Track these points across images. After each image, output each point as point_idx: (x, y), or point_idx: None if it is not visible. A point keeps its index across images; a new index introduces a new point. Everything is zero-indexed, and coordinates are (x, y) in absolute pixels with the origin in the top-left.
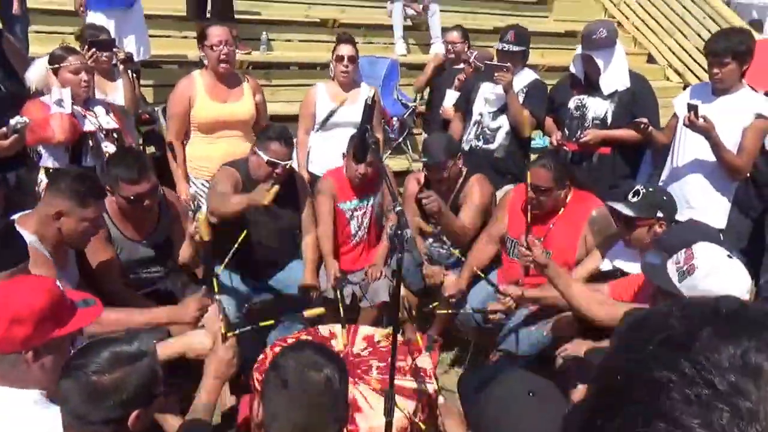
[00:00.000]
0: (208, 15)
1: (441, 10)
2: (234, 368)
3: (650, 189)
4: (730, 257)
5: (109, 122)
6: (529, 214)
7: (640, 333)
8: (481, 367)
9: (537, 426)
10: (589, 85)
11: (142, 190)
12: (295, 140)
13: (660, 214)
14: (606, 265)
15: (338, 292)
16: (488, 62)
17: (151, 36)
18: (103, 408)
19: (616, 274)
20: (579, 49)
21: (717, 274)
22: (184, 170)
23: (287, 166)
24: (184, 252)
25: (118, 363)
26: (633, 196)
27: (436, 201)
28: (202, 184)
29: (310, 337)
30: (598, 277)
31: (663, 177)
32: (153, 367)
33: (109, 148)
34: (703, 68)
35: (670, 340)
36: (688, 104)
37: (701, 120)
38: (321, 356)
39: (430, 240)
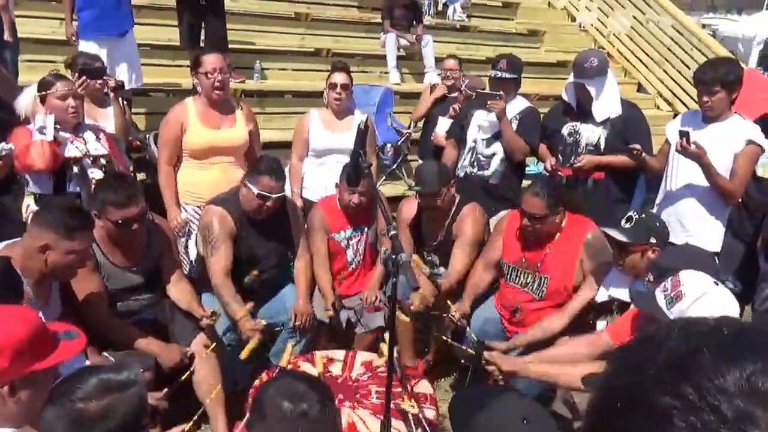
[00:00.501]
0: (202, 44)
1: (434, 41)
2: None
3: (643, 215)
4: (717, 284)
5: (98, 148)
6: (523, 240)
7: (640, 354)
8: (473, 389)
9: None
10: (582, 112)
11: (130, 215)
12: (287, 168)
13: (653, 240)
14: (602, 296)
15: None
16: (481, 90)
17: (144, 64)
18: None
19: (612, 304)
20: (571, 78)
21: (705, 300)
22: (176, 196)
23: (278, 199)
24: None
25: (106, 391)
26: (626, 222)
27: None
28: (194, 210)
29: (307, 363)
30: (594, 308)
31: (657, 202)
32: (141, 396)
33: (95, 174)
34: (692, 97)
35: (671, 362)
36: (680, 131)
37: (693, 146)
38: (302, 386)
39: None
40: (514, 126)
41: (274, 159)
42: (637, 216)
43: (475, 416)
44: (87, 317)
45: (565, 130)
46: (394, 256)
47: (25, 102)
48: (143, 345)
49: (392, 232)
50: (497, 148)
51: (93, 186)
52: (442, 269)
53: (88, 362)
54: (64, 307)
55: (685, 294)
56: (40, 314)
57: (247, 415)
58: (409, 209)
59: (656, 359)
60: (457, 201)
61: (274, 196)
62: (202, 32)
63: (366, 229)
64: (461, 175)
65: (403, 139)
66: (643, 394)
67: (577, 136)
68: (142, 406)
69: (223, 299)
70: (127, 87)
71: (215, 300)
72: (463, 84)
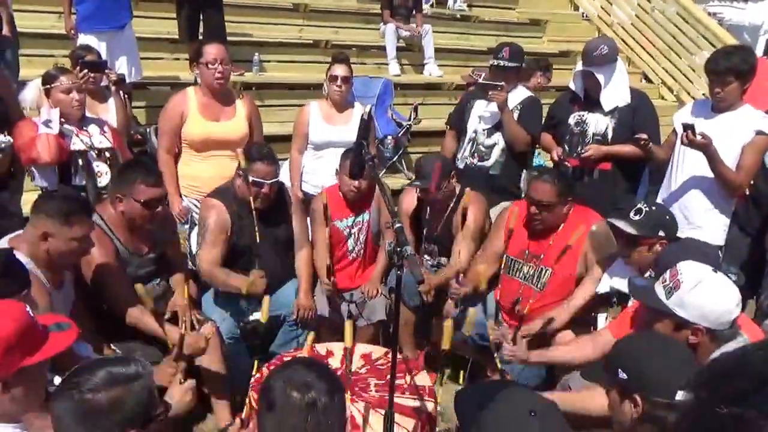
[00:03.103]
0: (201, 37)
1: (435, 31)
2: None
3: (653, 207)
4: (715, 271)
5: (102, 141)
6: (528, 231)
7: (741, 383)
8: (479, 383)
9: None
10: (589, 101)
11: (158, 195)
12: (288, 160)
13: (662, 233)
14: (603, 287)
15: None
16: (482, 80)
17: (143, 58)
18: (98, 428)
19: (613, 296)
20: (579, 66)
21: (702, 286)
22: (176, 185)
23: (273, 184)
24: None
25: (115, 382)
26: (635, 214)
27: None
28: (192, 203)
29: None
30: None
31: (661, 194)
32: (150, 388)
33: (101, 167)
34: (698, 87)
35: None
36: (683, 124)
37: (698, 137)
38: (311, 375)
39: (426, 257)
40: (516, 116)
41: (265, 145)
42: (647, 208)
43: (482, 411)
44: (107, 302)
45: (571, 120)
46: (399, 249)
47: (30, 95)
48: (160, 332)
49: (397, 225)
50: (498, 138)
51: (119, 167)
52: (443, 259)
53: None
54: (77, 296)
55: (683, 282)
56: (28, 308)
57: (246, 407)
58: (409, 201)
59: (762, 390)
60: (458, 191)
61: (268, 182)
62: (201, 25)
63: (368, 216)
64: (461, 166)
65: (403, 131)
66: (751, 427)
67: (584, 126)
68: (151, 399)
69: (219, 281)
70: (127, 81)
71: (214, 307)
72: (478, 79)
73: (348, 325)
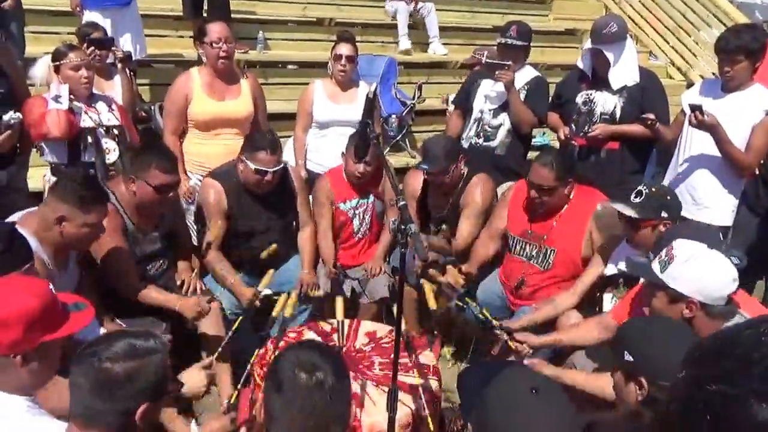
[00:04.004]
0: (205, 14)
1: (440, 9)
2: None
3: (653, 189)
4: (710, 248)
5: (110, 119)
6: (530, 212)
7: (729, 363)
8: (481, 363)
9: (542, 425)
10: (597, 80)
11: (171, 181)
12: (291, 139)
13: (664, 214)
14: (610, 269)
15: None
16: (489, 60)
17: (147, 35)
18: (113, 397)
19: (619, 277)
20: (588, 44)
21: (696, 260)
22: (182, 165)
23: (276, 172)
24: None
25: (134, 354)
26: (635, 197)
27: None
28: (199, 180)
29: (311, 332)
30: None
31: (669, 174)
32: (165, 363)
33: (109, 144)
34: (707, 65)
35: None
36: (690, 105)
37: (706, 117)
38: (317, 357)
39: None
40: (522, 96)
41: (269, 132)
42: (647, 190)
43: (484, 389)
44: (112, 279)
45: (579, 99)
46: (403, 227)
47: (40, 72)
48: (164, 300)
49: (401, 203)
50: (504, 118)
51: (136, 148)
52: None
53: (102, 330)
54: (81, 274)
55: (677, 256)
56: (51, 286)
57: (261, 382)
58: (415, 182)
59: (749, 370)
60: (464, 174)
61: (271, 170)
62: (205, 2)
63: (372, 197)
64: (466, 145)
65: (407, 110)
66: (740, 407)
67: (592, 105)
68: (165, 373)
69: (215, 271)
70: (133, 58)
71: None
72: (483, 56)
73: (339, 301)
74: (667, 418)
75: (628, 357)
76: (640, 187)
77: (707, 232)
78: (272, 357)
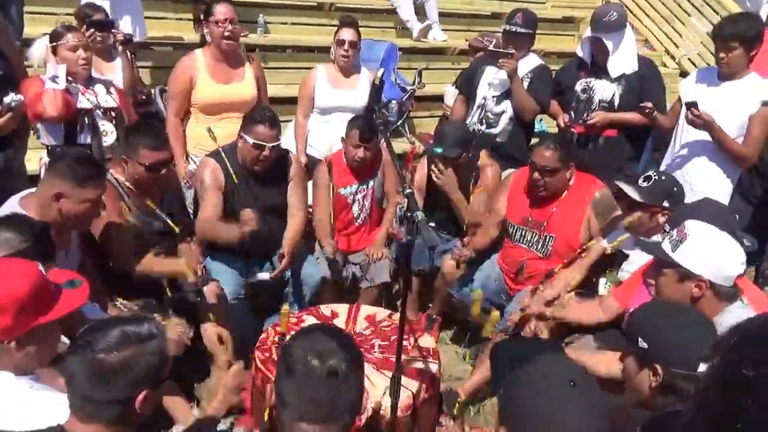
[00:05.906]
0: None
1: None
2: (239, 396)
3: (662, 176)
4: (721, 230)
5: (108, 101)
6: (530, 198)
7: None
8: (516, 339)
9: (582, 419)
10: (596, 68)
11: (162, 158)
12: (292, 124)
13: (666, 204)
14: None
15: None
16: (492, 48)
17: (146, 18)
18: (110, 387)
19: (613, 259)
20: (588, 32)
21: (707, 240)
22: (184, 148)
23: (274, 148)
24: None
25: (128, 343)
26: (644, 181)
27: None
28: None
29: (312, 317)
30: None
31: (665, 160)
32: (162, 348)
33: (106, 126)
34: (700, 55)
35: None
36: (686, 103)
37: (704, 114)
38: (331, 343)
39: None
40: (526, 84)
41: (268, 108)
42: (656, 176)
43: (518, 372)
44: (113, 258)
45: (578, 87)
46: (410, 214)
47: (37, 53)
48: (164, 266)
49: (408, 191)
50: (506, 106)
51: (125, 129)
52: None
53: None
54: (83, 254)
55: (689, 235)
56: (41, 267)
57: (261, 366)
58: (420, 174)
59: None
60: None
61: (269, 144)
62: None
63: (371, 182)
64: None
65: (407, 95)
66: None
67: (591, 93)
68: (162, 359)
69: (219, 234)
70: (134, 40)
71: (218, 267)
72: (491, 44)
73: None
74: (703, 407)
75: (642, 344)
76: (649, 173)
77: (724, 213)
78: (272, 342)
